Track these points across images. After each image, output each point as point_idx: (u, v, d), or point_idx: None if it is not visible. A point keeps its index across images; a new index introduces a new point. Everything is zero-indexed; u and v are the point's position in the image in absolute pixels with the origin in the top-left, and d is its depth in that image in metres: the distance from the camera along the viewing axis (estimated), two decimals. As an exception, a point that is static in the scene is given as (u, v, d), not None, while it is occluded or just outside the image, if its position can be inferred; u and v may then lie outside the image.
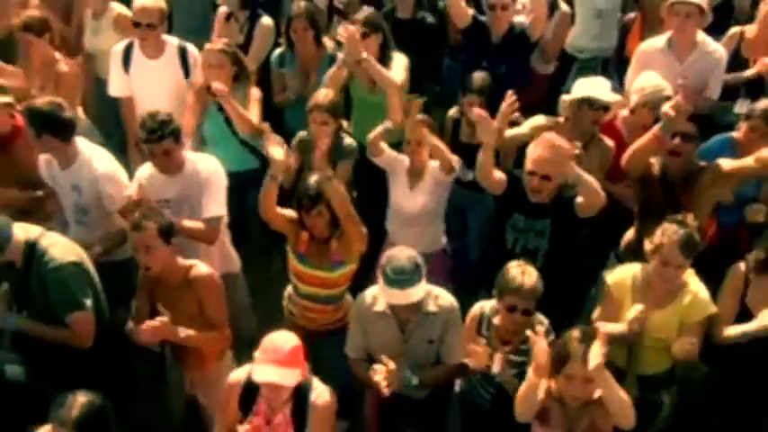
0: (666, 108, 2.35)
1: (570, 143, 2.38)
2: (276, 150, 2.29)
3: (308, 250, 2.42)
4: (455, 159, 2.69)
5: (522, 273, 2.06)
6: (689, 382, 2.46)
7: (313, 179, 2.32)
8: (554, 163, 2.30)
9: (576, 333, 1.86)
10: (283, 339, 1.91)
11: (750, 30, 3.28)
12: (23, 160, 2.74)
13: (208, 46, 2.97)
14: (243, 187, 2.79)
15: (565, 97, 2.84)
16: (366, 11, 3.13)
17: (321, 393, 1.92)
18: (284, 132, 2.91)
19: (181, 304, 2.19)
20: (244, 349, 2.28)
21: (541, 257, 2.48)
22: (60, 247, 2.20)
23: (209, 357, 2.32)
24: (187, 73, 3.17)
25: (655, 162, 2.56)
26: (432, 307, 2.17)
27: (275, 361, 1.80)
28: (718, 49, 3.11)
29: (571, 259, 2.58)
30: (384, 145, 2.79)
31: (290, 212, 2.43)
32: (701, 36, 3.08)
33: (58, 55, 3.21)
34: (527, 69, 3.44)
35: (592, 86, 2.78)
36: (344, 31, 2.98)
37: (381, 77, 2.95)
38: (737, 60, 3.23)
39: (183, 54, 3.14)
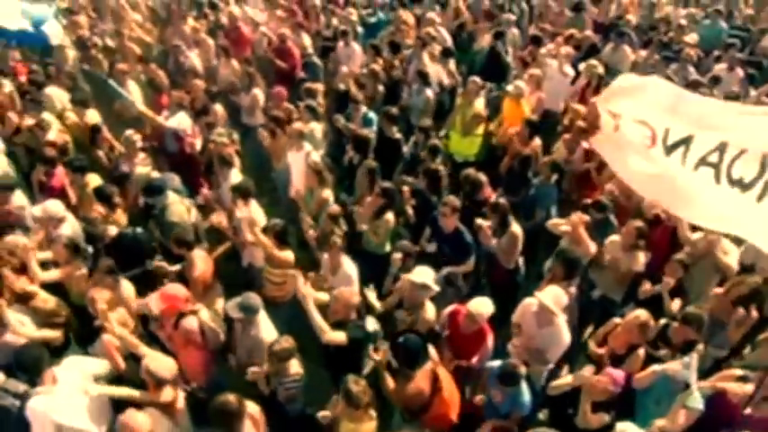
0: None
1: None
2: None
3: (270, 261, 4.66)
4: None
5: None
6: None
7: None
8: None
9: None
10: (176, 290, 4.01)
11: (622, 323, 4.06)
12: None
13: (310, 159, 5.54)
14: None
15: (407, 276, 4.14)
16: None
17: (188, 321, 3.92)
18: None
19: None
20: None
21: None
22: (172, 213, 4.98)
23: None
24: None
25: None
26: (253, 331, 3.94)
27: (161, 297, 3.95)
28: (563, 341, 4.02)
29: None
30: None
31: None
32: (560, 321, 3.99)
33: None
34: (464, 254, 4.85)
35: (425, 275, 4.10)
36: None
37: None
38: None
39: (307, 157, 5.72)
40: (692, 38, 8.54)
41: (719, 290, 4.42)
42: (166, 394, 3.36)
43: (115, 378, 3.78)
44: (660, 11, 10.01)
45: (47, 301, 4.10)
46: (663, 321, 4.22)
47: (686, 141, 3.19)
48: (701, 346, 4.04)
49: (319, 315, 3.83)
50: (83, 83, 7.16)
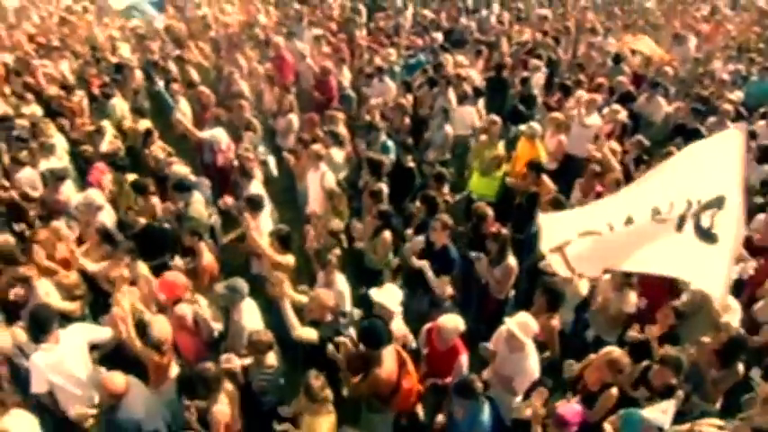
0: None
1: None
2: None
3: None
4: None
5: None
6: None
7: None
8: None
9: None
10: (175, 277, 4.47)
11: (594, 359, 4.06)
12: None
13: (325, 181, 5.94)
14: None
15: (372, 294, 4.26)
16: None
17: (181, 308, 4.29)
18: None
19: None
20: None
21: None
22: (192, 210, 5.48)
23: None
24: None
25: None
26: (236, 316, 4.28)
27: (160, 284, 4.44)
28: (531, 370, 4.01)
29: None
30: None
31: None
32: (529, 349, 4.01)
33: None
34: (447, 270, 4.95)
35: (387, 294, 4.20)
36: None
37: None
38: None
39: (323, 177, 6.12)
40: (736, 95, 8.41)
41: (707, 339, 4.30)
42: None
43: (115, 347, 4.19)
44: (708, 65, 9.93)
45: (68, 276, 4.66)
46: (644, 363, 4.16)
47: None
48: (680, 393, 3.92)
49: (293, 313, 4.08)
50: (143, 99, 8.07)
